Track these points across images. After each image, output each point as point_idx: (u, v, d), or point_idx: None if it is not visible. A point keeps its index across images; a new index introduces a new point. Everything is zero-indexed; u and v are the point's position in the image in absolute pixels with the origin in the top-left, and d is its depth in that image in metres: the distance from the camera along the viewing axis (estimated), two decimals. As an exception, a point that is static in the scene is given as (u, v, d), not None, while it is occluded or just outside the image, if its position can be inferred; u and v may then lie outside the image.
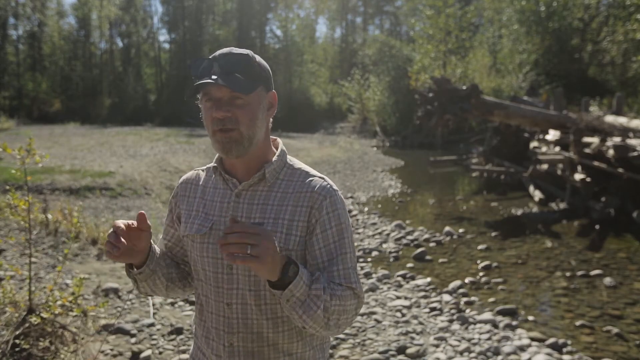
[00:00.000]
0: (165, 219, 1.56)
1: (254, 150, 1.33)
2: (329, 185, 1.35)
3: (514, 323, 4.46)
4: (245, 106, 1.28)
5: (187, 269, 1.52)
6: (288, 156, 1.43)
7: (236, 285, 1.33)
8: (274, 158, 1.38)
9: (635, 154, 7.84)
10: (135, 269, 1.35)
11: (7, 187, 6.16)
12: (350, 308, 1.28)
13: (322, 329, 1.25)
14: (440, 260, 6.51)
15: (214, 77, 1.24)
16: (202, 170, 1.49)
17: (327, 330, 1.26)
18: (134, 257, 1.30)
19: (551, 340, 4.11)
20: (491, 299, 5.11)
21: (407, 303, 4.90)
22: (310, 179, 1.36)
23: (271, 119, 1.41)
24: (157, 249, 1.42)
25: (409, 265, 6.29)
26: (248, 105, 1.29)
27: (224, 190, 1.39)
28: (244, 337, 1.34)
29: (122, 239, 1.23)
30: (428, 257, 6.56)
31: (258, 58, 1.33)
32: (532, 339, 4.16)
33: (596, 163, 8.72)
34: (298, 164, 1.42)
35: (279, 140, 1.46)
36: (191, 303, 4.52)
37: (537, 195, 10.41)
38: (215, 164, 1.41)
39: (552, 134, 11.35)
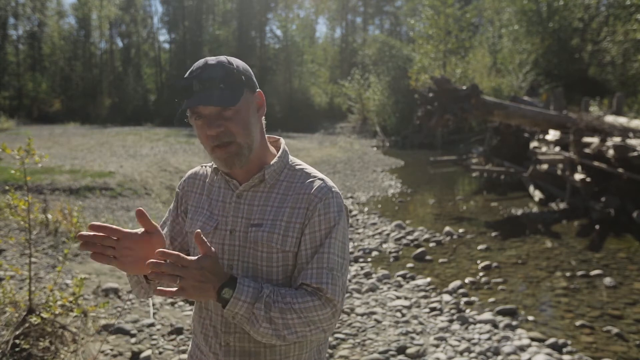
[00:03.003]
0: (168, 212, 1.56)
1: (253, 155, 1.33)
2: (326, 188, 1.33)
3: (514, 323, 4.46)
4: (235, 116, 1.27)
5: None
6: (290, 156, 1.42)
7: None
8: (274, 160, 1.37)
9: (635, 154, 7.84)
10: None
11: (7, 187, 6.16)
12: (319, 318, 1.24)
13: (279, 342, 1.25)
14: (440, 260, 6.51)
15: (194, 97, 1.24)
16: (210, 167, 1.49)
17: (288, 342, 1.27)
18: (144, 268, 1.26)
19: (551, 340, 4.11)
20: (491, 299, 5.11)
21: (407, 303, 4.90)
22: (310, 180, 1.35)
23: (263, 118, 1.39)
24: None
25: (409, 265, 6.29)
26: (238, 113, 1.27)
27: (225, 190, 1.40)
28: (240, 337, 1.34)
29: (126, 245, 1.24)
30: (428, 257, 6.56)
31: (235, 62, 1.30)
32: (532, 339, 4.16)
33: (596, 163, 8.72)
34: (300, 164, 1.40)
35: (281, 140, 1.45)
36: (191, 303, 4.52)
37: (537, 195, 10.41)
38: (216, 165, 1.40)
39: (552, 134, 11.35)
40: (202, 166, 1.52)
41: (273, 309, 1.21)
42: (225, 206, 1.38)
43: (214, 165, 1.42)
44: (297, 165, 1.40)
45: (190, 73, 1.28)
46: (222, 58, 1.29)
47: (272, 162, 1.36)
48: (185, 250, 1.52)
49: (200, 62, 1.29)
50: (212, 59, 1.28)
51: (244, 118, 1.28)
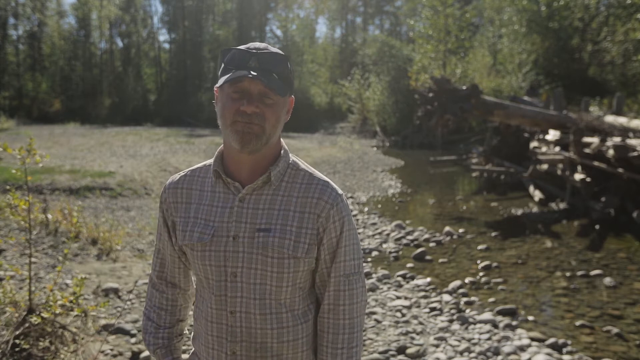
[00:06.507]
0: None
1: (265, 151, 1.30)
2: (334, 193, 1.34)
3: (514, 323, 4.46)
4: (273, 106, 1.26)
5: (182, 299, 1.55)
6: (291, 155, 1.39)
7: (240, 293, 1.30)
8: (279, 160, 1.34)
9: (635, 154, 7.84)
10: None
11: (7, 187, 6.16)
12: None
13: None
14: (440, 260, 6.51)
15: (253, 72, 1.22)
16: (191, 172, 1.42)
17: None
18: None
19: (551, 340, 4.11)
20: (491, 299, 5.11)
21: (407, 303, 4.90)
22: (316, 183, 1.34)
23: None
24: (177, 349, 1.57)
25: (409, 265, 6.29)
26: (276, 105, 1.27)
27: (225, 194, 1.33)
28: (247, 346, 1.32)
29: None
30: (428, 257, 6.56)
31: (290, 62, 1.32)
32: (532, 339, 4.16)
33: (596, 163, 8.72)
34: (301, 164, 1.38)
35: (280, 139, 1.43)
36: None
37: (537, 195, 10.41)
38: (216, 168, 1.34)
39: (552, 134, 11.34)
40: (181, 173, 1.44)
41: None
42: (225, 211, 1.31)
43: (213, 168, 1.34)
44: (299, 165, 1.38)
45: (249, 48, 1.28)
46: (281, 52, 1.30)
47: (277, 162, 1.33)
48: (184, 269, 1.49)
49: (260, 44, 1.29)
50: (273, 47, 1.29)
51: (278, 111, 1.28)
